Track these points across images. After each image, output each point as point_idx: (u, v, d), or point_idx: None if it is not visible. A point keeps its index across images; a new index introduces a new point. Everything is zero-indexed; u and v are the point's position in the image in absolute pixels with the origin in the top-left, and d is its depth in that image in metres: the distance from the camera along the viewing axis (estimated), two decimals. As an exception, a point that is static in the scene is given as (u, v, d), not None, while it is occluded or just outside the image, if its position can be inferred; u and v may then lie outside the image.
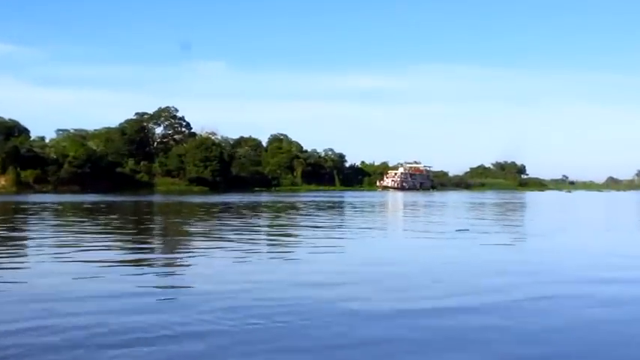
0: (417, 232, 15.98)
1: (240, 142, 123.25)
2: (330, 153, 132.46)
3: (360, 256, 11.12)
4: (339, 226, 17.78)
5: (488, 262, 10.46)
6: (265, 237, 14.65)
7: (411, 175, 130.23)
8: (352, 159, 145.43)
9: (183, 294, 7.49)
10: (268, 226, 18.67)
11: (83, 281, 8.31)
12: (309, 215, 23.84)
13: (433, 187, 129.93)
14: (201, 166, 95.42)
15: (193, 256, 10.85)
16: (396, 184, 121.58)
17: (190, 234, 15.16)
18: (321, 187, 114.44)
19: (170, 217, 23.02)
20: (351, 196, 65.42)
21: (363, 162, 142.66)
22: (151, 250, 11.86)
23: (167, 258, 10.80)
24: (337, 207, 34.01)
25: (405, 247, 12.88)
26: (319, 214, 25.30)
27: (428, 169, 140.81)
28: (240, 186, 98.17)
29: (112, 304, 6.91)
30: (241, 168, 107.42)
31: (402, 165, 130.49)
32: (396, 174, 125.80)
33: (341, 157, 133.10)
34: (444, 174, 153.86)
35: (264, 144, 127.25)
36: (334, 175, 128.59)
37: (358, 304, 6.91)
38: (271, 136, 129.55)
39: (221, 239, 13.76)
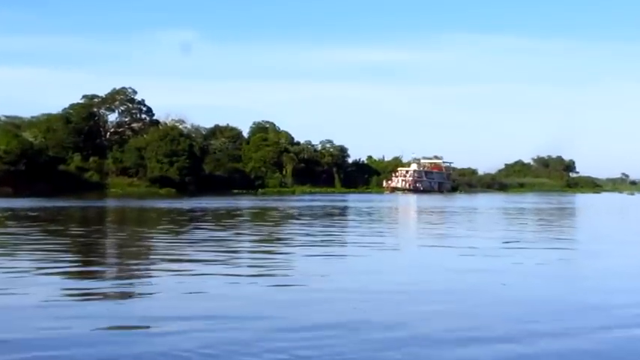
0: (445, 249, 15.93)
1: (216, 132, 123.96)
2: (328, 146, 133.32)
3: (374, 282, 10.97)
4: (342, 241, 17.83)
5: (544, 292, 10.34)
6: (252, 256, 14.28)
7: (426, 173, 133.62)
8: (356, 153, 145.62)
9: (151, 337, 7.20)
10: (254, 241, 18.60)
11: (22, 318, 8.13)
12: (305, 225, 23.86)
13: (455, 189, 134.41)
14: (165, 163, 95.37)
15: (159, 284, 10.56)
16: (407, 185, 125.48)
17: (153, 252, 15.04)
18: (317, 189, 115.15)
19: (127, 228, 22.82)
20: (354, 200, 66.54)
21: (370, 157, 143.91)
22: (104, 277, 11.61)
23: (125, 285, 10.63)
24: (338, 214, 34.38)
25: (430, 270, 12.71)
26: (317, 223, 25.35)
27: (449, 165, 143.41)
28: (215, 187, 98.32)
29: (66, 351, 6.70)
30: (216, 165, 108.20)
31: (416, 161, 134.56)
32: (407, 172, 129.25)
33: (342, 151, 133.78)
34: (472, 172, 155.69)
35: (246, 135, 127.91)
36: (334, 174, 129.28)
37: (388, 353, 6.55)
38: (254, 124, 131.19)
39: (193, 260, 13.44)
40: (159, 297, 9.47)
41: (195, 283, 10.53)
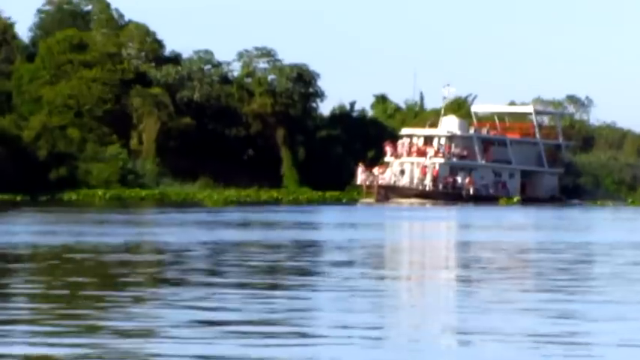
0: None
1: None
2: (261, 67, 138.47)
3: None
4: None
5: None
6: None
7: (486, 142, 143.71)
8: (343, 92, 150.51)
9: None
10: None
11: None
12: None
13: (573, 190, 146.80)
14: None
15: None
16: (423, 180, 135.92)
17: None
18: (232, 192, 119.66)
19: None
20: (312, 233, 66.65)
21: (381, 100, 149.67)
22: None
23: None
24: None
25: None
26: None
27: (558, 114, 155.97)
28: None
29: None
30: None
31: (476, 116, 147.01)
32: (428, 140, 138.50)
33: (303, 84, 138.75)
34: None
35: (25, 37, 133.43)
36: (279, 148, 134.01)
37: None
38: (50, 3, 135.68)
39: None
40: None
41: None
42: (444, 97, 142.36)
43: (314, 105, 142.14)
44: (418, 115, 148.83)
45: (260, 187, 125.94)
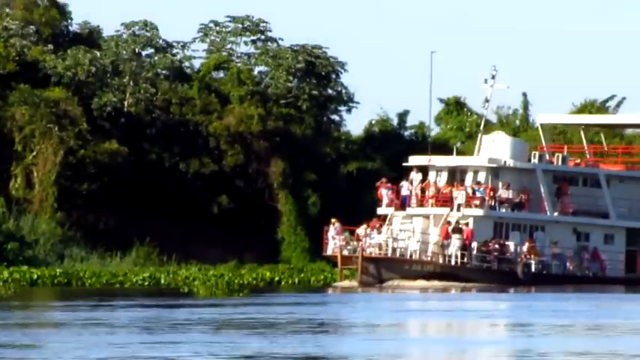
0: None
1: None
2: (242, 47, 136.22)
3: None
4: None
5: None
6: None
7: (563, 180, 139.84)
8: (386, 95, 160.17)
9: None
10: None
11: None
12: None
13: None
14: None
15: None
16: (434, 250, 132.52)
17: None
18: (190, 269, 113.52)
19: None
20: None
21: (455, 107, 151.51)
22: None
23: None
24: None
25: None
26: None
27: None
28: None
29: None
30: None
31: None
32: (462, 175, 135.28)
33: (316, 77, 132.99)
34: None
35: None
36: (275, 194, 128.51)
37: None
38: None
39: None
40: None
41: None
42: (486, 101, 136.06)
43: (336, 118, 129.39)
44: (519, 134, 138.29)
45: (241, 262, 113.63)
